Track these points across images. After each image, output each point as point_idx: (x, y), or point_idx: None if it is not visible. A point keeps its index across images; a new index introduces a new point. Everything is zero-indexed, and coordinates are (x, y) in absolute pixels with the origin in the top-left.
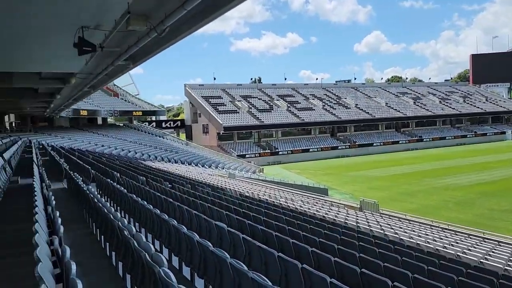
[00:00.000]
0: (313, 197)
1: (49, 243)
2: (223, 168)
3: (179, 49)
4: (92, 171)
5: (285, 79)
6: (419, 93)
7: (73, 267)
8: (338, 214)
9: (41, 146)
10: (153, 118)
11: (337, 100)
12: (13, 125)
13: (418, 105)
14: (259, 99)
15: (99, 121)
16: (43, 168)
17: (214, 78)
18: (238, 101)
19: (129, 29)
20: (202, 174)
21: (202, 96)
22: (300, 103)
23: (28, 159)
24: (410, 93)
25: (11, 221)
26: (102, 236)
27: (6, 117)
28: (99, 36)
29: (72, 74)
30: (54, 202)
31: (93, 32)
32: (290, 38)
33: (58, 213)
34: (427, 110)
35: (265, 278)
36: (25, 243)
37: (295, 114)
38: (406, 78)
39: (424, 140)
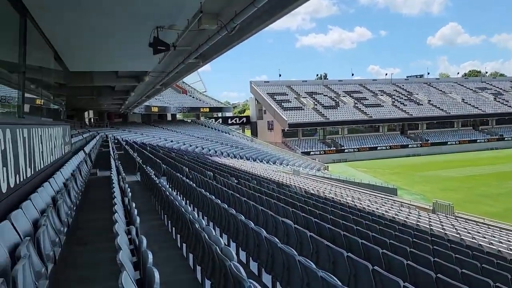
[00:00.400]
0: (381, 196)
1: (127, 232)
2: (287, 165)
3: (245, 47)
4: (163, 165)
5: (352, 74)
6: (501, 88)
7: (150, 256)
8: (409, 215)
9: (116, 141)
10: (220, 114)
11: (408, 96)
12: (92, 120)
13: (499, 101)
14: (324, 95)
15: (169, 117)
16: (119, 162)
17: (280, 75)
18: (303, 97)
19: (200, 28)
20: (267, 170)
21: (267, 93)
22: (367, 99)
23: (105, 152)
24: (490, 88)
25: (92, 210)
26: (174, 228)
27: (86, 113)
28: (172, 36)
29: (145, 73)
30: (130, 194)
31: (167, 32)
32: (358, 32)
33: (134, 204)
34: (510, 106)
35: (335, 278)
36: (105, 231)
37: (363, 110)
38: (486, 72)
39: (506, 139)
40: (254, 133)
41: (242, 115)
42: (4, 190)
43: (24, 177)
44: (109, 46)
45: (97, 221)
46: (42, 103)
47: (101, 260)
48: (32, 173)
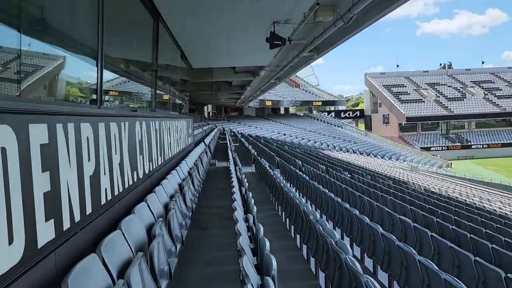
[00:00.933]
0: None
1: (244, 220)
2: (404, 161)
3: (360, 37)
4: (277, 157)
5: (483, 63)
6: None
7: (267, 243)
8: None
9: (232, 133)
10: (332, 108)
11: None
12: (210, 114)
13: None
14: (448, 86)
15: (282, 111)
16: (235, 153)
17: (397, 66)
18: (424, 89)
19: (316, 20)
20: (382, 165)
21: (383, 85)
22: (501, 90)
23: (223, 144)
24: None
25: (212, 198)
26: (287, 219)
27: (205, 108)
28: (287, 30)
29: (261, 67)
30: (246, 184)
31: (283, 26)
32: (490, 15)
33: (250, 194)
34: None
35: (460, 283)
36: (224, 218)
37: (494, 102)
38: None
39: None
40: (368, 127)
41: (356, 108)
42: (140, 176)
43: (156, 165)
44: (229, 43)
45: (216, 208)
46: (169, 98)
47: (221, 244)
48: (162, 161)
